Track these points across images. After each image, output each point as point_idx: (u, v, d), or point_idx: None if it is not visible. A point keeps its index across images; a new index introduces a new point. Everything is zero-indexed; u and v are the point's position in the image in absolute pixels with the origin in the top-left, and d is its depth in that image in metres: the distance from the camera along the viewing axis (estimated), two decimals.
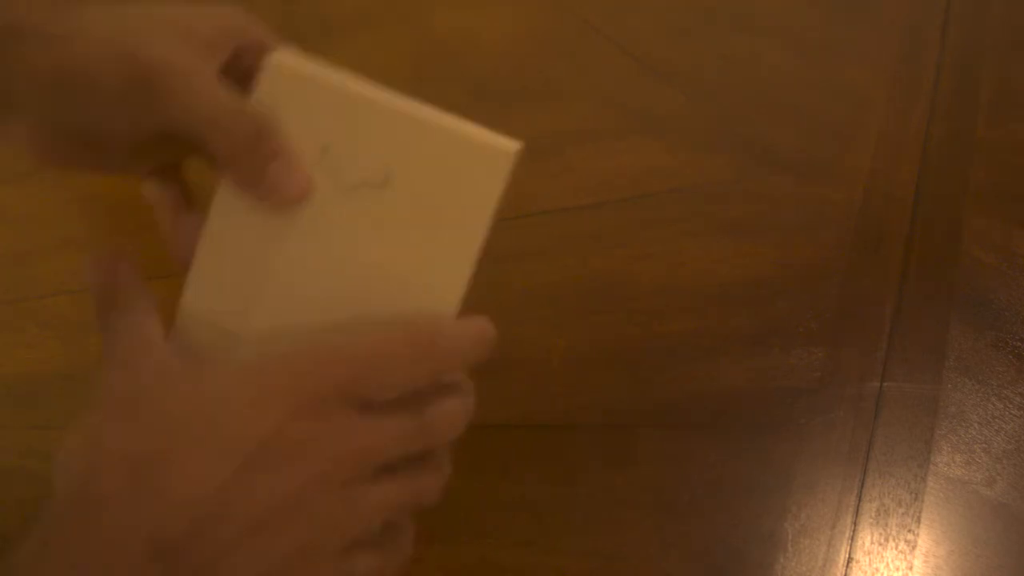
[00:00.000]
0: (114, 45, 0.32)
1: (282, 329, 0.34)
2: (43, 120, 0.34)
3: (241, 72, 0.37)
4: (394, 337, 0.32)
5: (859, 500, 0.51)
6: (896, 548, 0.49)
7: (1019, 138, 0.81)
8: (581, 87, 0.89)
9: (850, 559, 0.48)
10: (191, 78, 0.33)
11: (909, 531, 0.50)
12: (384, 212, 0.34)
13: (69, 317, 0.62)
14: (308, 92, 0.35)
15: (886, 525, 0.50)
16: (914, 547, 0.49)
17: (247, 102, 0.35)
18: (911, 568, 0.48)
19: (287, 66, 0.36)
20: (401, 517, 0.34)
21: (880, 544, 0.49)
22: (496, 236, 0.70)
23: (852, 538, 0.49)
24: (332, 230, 0.34)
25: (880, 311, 0.63)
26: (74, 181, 0.77)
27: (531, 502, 0.50)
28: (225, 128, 0.33)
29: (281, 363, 0.31)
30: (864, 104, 0.86)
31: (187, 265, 0.37)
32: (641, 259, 0.67)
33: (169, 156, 0.40)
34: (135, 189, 0.75)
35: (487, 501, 0.49)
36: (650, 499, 0.50)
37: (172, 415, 0.30)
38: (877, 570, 0.48)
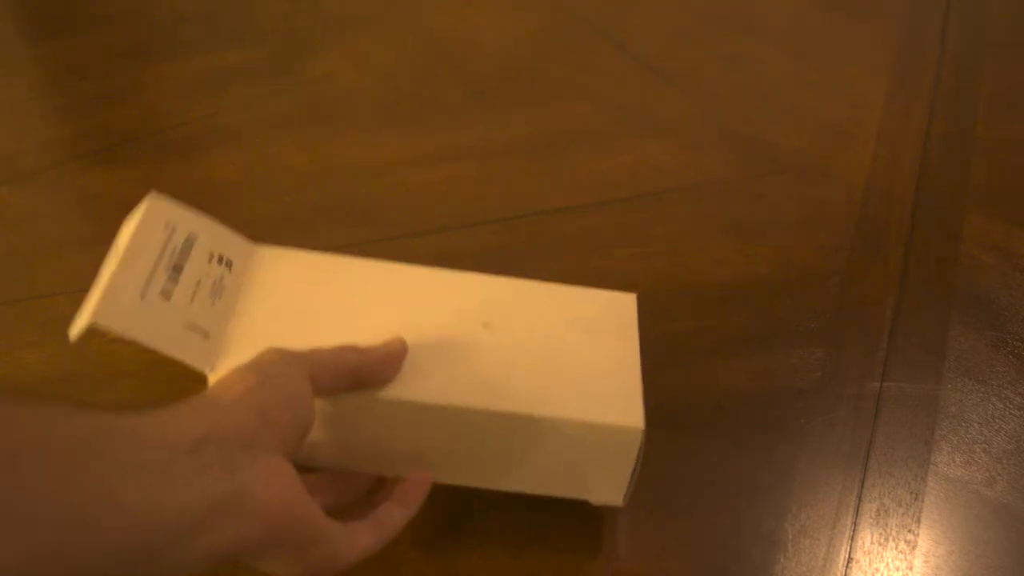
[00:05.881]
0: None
1: None
2: None
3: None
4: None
5: (859, 500, 0.51)
6: (896, 548, 0.49)
7: (1019, 138, 0.81)
8: (581, 87, 0.89)
9: (850, 559, 0.48)
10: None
11: (909, 531, 0.50)
12: None
13: (69, 317, 0.62)
14: None
15: (886, 525, 0.50)
16: (914, 547, 0.49)
17: None
18: (911, 568, 0.48)
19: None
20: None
21: (880, 544, 0.49)
22: (496, 236, 0.70)
23: (852, 538, 0.49)
24: None
25: (880, 311, 0.63)
26: (74, 181, 0.77)
27: (531, 502, 0.50)
28: None
29: None
30: (864, 104, 0.86)
31: None
32: (641, 259, 0.67)
33: None
34: (135, 189, 0.75)
35: (487, 501, 0.49)
36: (650, 499, 0.50)
37: None
38: (877, 570, 0.48)
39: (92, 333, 0.39)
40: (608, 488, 0.45)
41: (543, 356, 0.45)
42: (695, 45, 0.95)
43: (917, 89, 0.88)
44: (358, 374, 0.42)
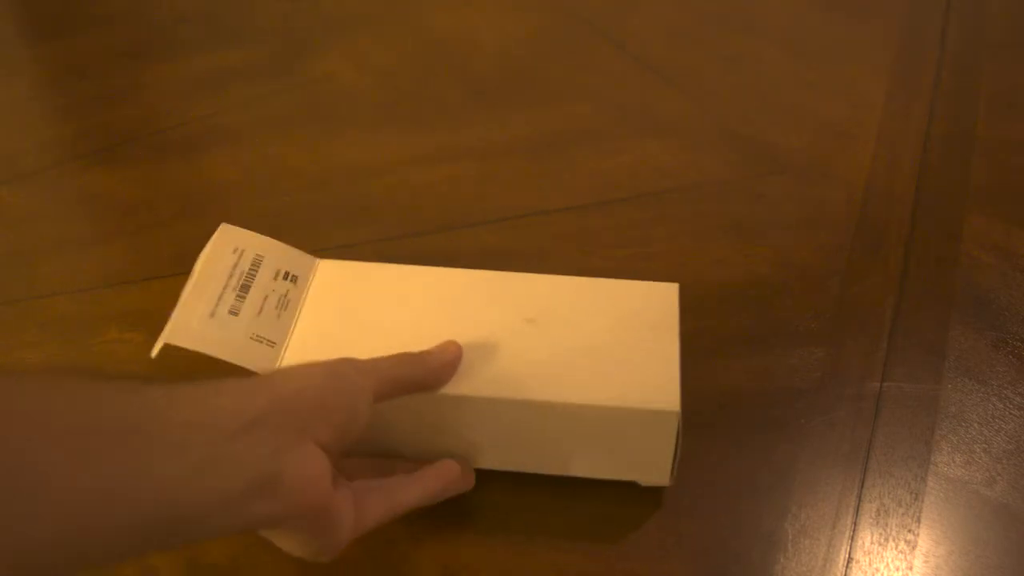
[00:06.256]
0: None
1: None
2: None
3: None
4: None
5: (859, 500, 0.51)
6: (896, 548, 0.49)
7: (1019, 138, 0.81)
8: (581, 87, 0.89)
9: (850, 559, 0.48)
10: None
11: (909, 531, 0.50)
12: None
13: (69, 317, 0.62)
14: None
15: (886, 525, 0.50)
16: (914, 547, 0.49)
17: None
18: (911, 568, 0.48)
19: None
20: None
21: (880, 544, 0.49)
22: (496, 236, 0.70)
23: (852, 538, 0.49)
24: None
25: (880, 311, 0.63)
26: (74, 181, 0.77)
27: (531, 502, 0.50)
28: None
29: None
30: (864, 104, 0.86)
31: None
32: (641, 259, 0.67)
33: None
34: (135, 189, 0.75)
35: (487, 500, 0.49)
36: (650, 499, 0.50)
37: None
38: (877, 570, 0.48)
39: (168, 350, 0.45)
40: (654, 469, 0.48)
41: (585, 347, 0.48)
42: (695, 45, 0.95)
43: (917, 89, 0.88)
44: (420, 384, 0.45)
